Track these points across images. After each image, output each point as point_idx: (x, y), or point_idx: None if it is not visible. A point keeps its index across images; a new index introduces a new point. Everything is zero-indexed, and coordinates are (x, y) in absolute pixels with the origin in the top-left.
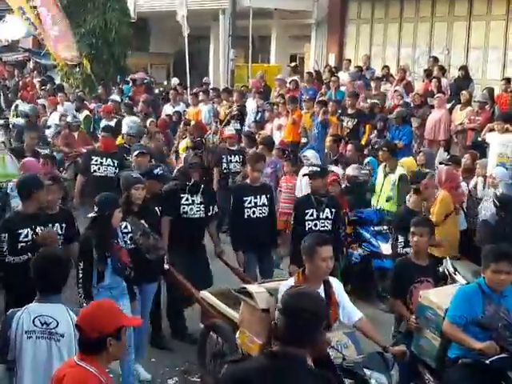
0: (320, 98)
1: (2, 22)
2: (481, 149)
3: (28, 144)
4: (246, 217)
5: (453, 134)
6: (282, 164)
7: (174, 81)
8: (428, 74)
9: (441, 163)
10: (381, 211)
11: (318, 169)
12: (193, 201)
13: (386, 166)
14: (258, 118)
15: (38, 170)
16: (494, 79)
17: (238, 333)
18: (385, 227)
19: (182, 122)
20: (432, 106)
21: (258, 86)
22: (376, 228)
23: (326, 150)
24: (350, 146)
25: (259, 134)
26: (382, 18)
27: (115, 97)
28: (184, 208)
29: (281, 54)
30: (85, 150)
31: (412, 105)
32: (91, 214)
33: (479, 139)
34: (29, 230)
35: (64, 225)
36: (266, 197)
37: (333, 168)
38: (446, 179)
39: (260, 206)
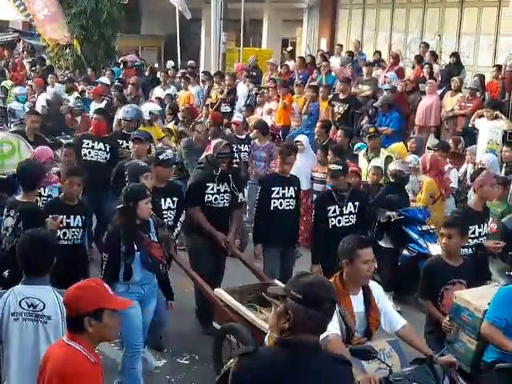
0: (311, 83)
1: None
2: (471, 135)
3: (29, 128)
4: (272, 208)
5: (443, 120)
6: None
7: (169, 64)
8: (419, 59)
9: (429, 149)
10: (425, 208)
11: (340, 167)
12: (218, 190)
13: (367, 151)
14: (248, 102)
15: (50, 159)
16: (485, 66)
17: (267, 336)
18: (432, 226)
19: (167, 106)
20: (423, 92)
21: (246, 69)
22: (423, 227)
23: (315, 136)
24: (339, 132)
25: (250, 118)
26: (374, 4)
27: (104, 79)
28: (209, 197)
29: (272, 38)
30: None
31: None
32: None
33: (469, 126)
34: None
35: (84, 217)
36: (294, 189)
37: None
38: (431, 166)
39: (288, 197)
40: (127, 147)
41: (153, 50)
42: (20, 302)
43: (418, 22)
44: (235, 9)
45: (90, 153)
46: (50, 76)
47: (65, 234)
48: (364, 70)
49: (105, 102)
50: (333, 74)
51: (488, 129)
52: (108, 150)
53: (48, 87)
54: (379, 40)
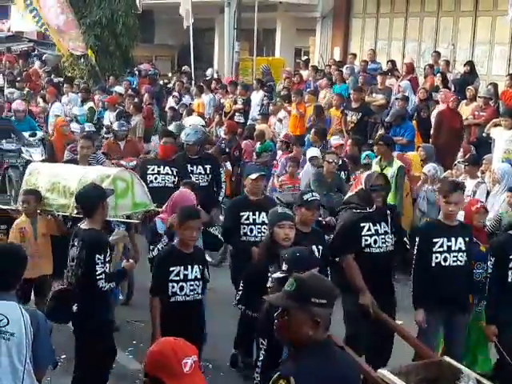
0: (323, 93)
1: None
2: (485, 144)
3: (81, 156)
4: (433, 264)
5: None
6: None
7: (184, 68)
8: (432, 68)
9: (459, 163)
10: None
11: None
12: (376, 230)
13: (381, 159)
14: (262, 111)
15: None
16: (499, 75)
17: None
18: None
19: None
20: (437, 102)
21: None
22: None
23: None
24: (349, 141)
25: (255, 128)
26: (387, 13)
27: (119, 88)
28: (367, 240)
29: (285, 47)
30: (124, 163)
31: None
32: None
33: (484, 135)
34: None
35: (202, 267)
36: (464, 240)
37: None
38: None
39: (456, 251)
40: (191, 172)
41: (166, 60)
42: None
43: (431, 31)
44: (248, 18)
45: (156, 178)
46: (65, 86)
47: (182, 288)
48: (378, 79)
49: (117, 110)
50: (348, 81)
51: (505, 138)
52: (175, 173)
53: (63, 97)
54: (393, 49)
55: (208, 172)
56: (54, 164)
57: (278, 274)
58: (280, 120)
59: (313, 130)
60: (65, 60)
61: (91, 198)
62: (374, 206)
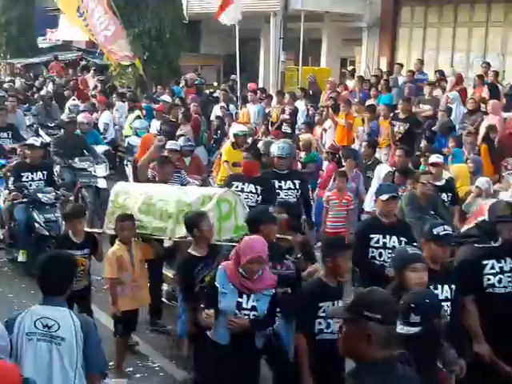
0: (370, 102)
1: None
2: None
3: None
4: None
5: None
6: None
7: (232, 77)
8: (481, 79)
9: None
10: None
11: None
12: (501, 268)
13: None
14: (307, 121)
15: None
16: None
17: None
18: None
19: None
20: (485, 113)
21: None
22: None
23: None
24: (398, 151)
25: (301, 137)
26: (435, 22)
27: (166, 97)
28: (489, 280)
29: (331, 57)
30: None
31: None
32: None
33: None
34: None
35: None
36: None
37: None
38: None
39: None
40: (280, 188)
41: (212, 69)
42: (35, 322)
43: (480, 41)
44: (294, 28)
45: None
46: (113, 95)
47: (329, 325)
48: (425, 89)
49: (163, 119)
50: (393, 92)
51: None
52: (259, 192)
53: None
54: (440, 60)
55: (297, 187)
56: (143, 184)
57: (408, 329)
58: (325, 130)
59: (365, 143)
60: (113, 69)
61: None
62: (500, 240)
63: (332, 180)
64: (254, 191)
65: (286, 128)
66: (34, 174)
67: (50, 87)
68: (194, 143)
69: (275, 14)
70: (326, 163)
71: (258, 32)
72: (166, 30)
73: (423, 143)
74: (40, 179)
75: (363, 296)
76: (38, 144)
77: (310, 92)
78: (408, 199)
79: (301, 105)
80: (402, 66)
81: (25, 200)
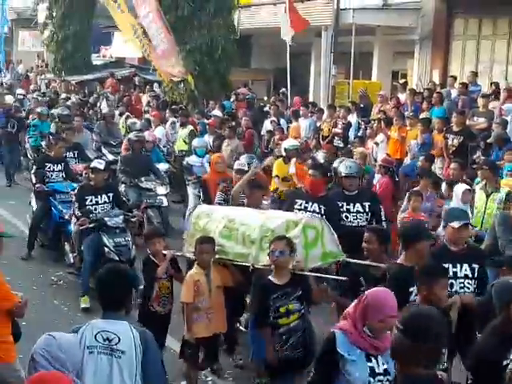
0: (422, 115)
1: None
2: None
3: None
4: None
5: None
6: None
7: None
8: None
9: None
10: None
11: None
12: None
13: (486, 185)
14: (360, 134)
15: None
16: None
17: None
18: None
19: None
20: None
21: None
22: None
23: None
24: (453, 165)
25: (355, 151)
26: (489, 35)
27: (218, 112)
28: None
29: (382, 70)
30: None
31: None
32: None
33: None
34: None
35: None
36: None
37: None
38: None
39: None
40: (348, 210)
41: (262, 84)
42: (96, 336)
43: None
44: (345, 42)
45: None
46: (166, 111)
47: None
48: (480, 101)
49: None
50: (444, 105)
51: None
52: (323, 212)
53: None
54: (495, 72)
55: (367, 210)
56: (226, 207)
57: None
58: (377, 144)
59: (422, 157)
60: (165, 85)
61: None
62: None
63: (406, 200)
64: (317, 211)
65: (338, 142)
66: (99, 197)
67: (103, 104)
68: (258, 161)
69: (326, 28)
70: (377, 176)
71: (309, 46)
72: (217, 46)
73: (478, 155)
74: (105, 202)
75: (407, 309)
76: (101, 167)
77: (361, 105)
78: (502, 219)
79: (352, 119)
80: (455, 78)
81: (91, 225)
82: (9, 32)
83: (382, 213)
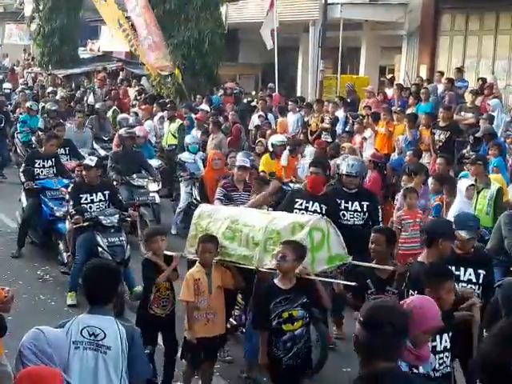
0: (409, 111)
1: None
2: None
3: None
4: None
5: None
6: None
7: (270, 86)
8: None
9: None
10: None
11: None
12: None
13: (476, 180)
14: (347, 129)
15: None
16: None
17: None
18: None
19: (258, 133)
20: None
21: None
22: None
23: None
24: (439, 160)
25: (343, 146)
26: (476, 30)
27: (205, 106)
28: None
29: (370, 65)
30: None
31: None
32: None
33: None
34: None
35: None
36: None
37: None
38: None
39: None
40: (346, 208)
41: (250, 78)
42: (81, 331)
43: None
44: (333, 37)
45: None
46: (154, 105)
47: None
48: (467, 97)
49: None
50: (430, 100)
51: None
52: (324, 211)
53: (156, 116)
54: (481, 67)
55: (365, 209)
56: (229, 207)
57: None
58: (365, 139)
59: (410, 152)
60: (153, 79)
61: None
62: None
63: (401, 198)
64: (318, 210)
65: (326, 137)
66: (94, 195)
67: (90, 98)
68: (254, 159)
69: (314, 22)
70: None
71: (297, 41)
72: (205, 40)
73: (468, 150)
74: (100, 200)
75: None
76: (93, 164)
77: (348, 100)
78: (508, 218)
79: (340, 113)
80: (442, 74)
81: (86, 224)
82: None
83: (380, 213)
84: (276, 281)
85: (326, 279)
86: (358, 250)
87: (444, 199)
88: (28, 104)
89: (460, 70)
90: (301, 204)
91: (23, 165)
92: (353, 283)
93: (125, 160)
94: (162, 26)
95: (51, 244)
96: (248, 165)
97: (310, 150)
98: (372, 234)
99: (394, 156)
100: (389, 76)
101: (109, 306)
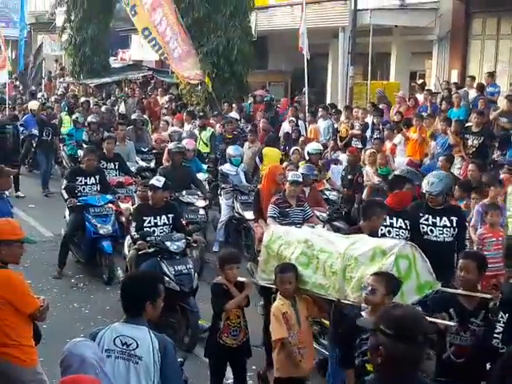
0: (441, 116)
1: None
2: None
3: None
4: None
5: None
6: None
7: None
8: None
9: None
10: None
11: None
12: None
13: None
14: (378, 136)
15: None
16: None
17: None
18: None
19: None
20: None
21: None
22: None
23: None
24: (471, 166)
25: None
26: (508, 34)
27: (234, 114)
28: None
29: (400, 70)
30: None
31: None
32: None
33: None
34: None
35: None
36: None
37: None
38: None
39: None
40: (433, 224)
41: (279, 85)
42: (114, 340)
43: None
44: (362, 43)
45: (389, 232)
46: (185, 114)
47: None
48: (501, 102)
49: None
50: (462, 105)
51: None
52: (409, 228)
53: (185, 124)
54: None
55: (454, 225)
56: (301, 230)
57: None
58: (395, 145)
59: (442, 157)
60: (183, 87)
61: None
62: None
63: (477, 214)
64: (403, 227)
65: (356, 143)
66: (158, 218)
67: (122, 107)
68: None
69: (343, 29)
70: None
71: (326, 47)
72: (233, 48)
73: (497, 154)
74: (164, 224)
75: (386, 310)
76: (160, 185)
77: (380, 106)
78: None
79: (370, 120)
80: (473, 78)
81: (151, 250)
82: (27, 36)
83: (467, 230)
84: (363, 314)
85: (444, 322)
86: (444, 268)
87: (472, 205)
88: (74, 116)
89: (492, 75)
90: (384, 220)
91: (65, 181)
92: (453, 323)
93: (174, 176)
94: (191, 34)
95: (98, 264)
96: (300, 179)
97: (343, 157)
98: (461, 260)
99: (427, 161)
100: (419, 81)
101: (143, 316)
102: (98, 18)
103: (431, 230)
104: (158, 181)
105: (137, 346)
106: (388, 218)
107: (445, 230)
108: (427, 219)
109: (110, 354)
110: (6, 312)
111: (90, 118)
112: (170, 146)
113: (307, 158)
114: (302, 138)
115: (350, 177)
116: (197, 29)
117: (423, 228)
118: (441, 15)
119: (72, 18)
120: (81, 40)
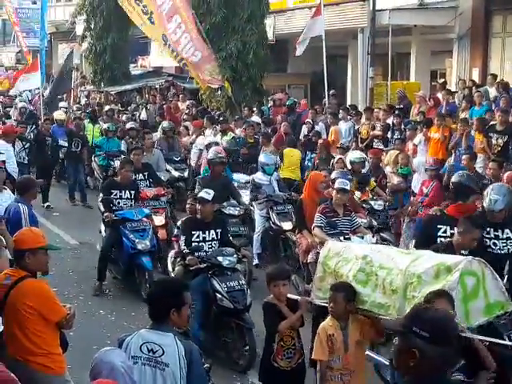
0: (462, 115)
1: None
2: None
3: None
4: None
5: None
6: None
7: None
8: None
9: None
10: None
11: None
12: None
13: None
14: (400, 136)
15: None
16: None
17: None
18: None
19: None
20: None
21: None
22: None
23: None
24: (492, 164)
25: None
26: None
27: (256, 118)
28: None
29: (421, 70)
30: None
31: None
32: None
33: None
34: None
35: None
36: None
37: None
38: None
39: None
40: (496, 237)
41: (299, 88)
42: (141, 346)
43: None
44: (382, 43)
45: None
46: (205, 119)
47: None
48: None
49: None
50: (484, 103)
51: None
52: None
53: (207, 130)
54: None
55: None
56: (362, 246)
57: None
58: (415, 145)
59: (465, 156)
60: (203, 92)
61: None
62: None
63: None
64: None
65: (377, 144)
66: (207, 232)
67: (143, 114)
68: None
69: (362, 29)
70: (416, 177)
71: (346, 48)
72: (249, 52)
73: None
74: (213, 239)
75: (417, 311)
76: (209, 198)
77: (401, 106)
78: None
79: (391, 120)
80: (495, 77)
81: (203, 265)
82: (48, 45)
83: None
84: None
85: (486, 338)
86: None
87: None
88: (105, 126)
89: None
90: (444, 231)
91: (101, 194)
92: None
93: (215, 187)
94: (210, 39)
95: (136, 281)
96: (348, 187)
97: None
98: None
99: (450, 161)
100: (441, 80)
101: (169, 322)
102: (118, 26)
103: (494, 244)
104: (207, 193)
105: (163, 353)
106: (448, 228)
107: (508, 242)
108: (489, 232)
109: (137, 360)
110: (34, 321)
111: (128, 125)
112: (211, 155)
113: (349, 166)
114: (320, 141)
115: (373, 179)
116: (215, 33)
117: (486, 242)
118: (460, 13)
119: (92, 26)
120: (101, 48)
